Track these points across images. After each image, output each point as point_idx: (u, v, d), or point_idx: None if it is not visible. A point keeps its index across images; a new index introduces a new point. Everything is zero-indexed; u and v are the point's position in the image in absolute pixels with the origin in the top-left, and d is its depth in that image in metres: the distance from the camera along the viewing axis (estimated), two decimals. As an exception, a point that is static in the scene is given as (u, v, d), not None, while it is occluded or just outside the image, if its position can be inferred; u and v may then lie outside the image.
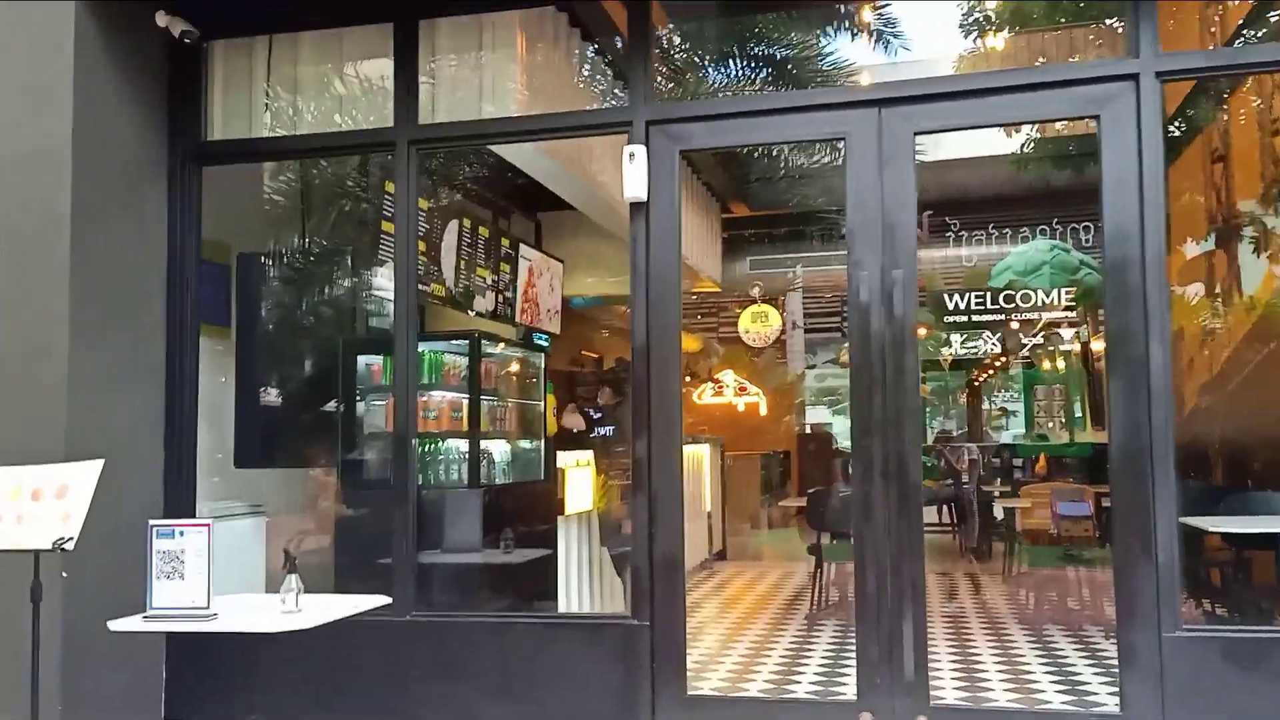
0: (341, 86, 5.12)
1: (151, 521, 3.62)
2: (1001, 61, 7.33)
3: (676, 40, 7.59)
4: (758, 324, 9.30)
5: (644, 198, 4.41)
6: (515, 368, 6.63)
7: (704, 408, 13.66)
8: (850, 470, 4.29)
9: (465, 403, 5.75)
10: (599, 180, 6.23)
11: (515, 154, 5.71)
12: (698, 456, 9.64)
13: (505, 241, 7.91)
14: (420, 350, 4.96)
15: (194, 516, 4.92)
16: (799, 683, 5.26)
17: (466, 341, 5.91)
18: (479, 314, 7.35)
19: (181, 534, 3.60)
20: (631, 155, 4.40)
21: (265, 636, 3.53)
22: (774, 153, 8.79)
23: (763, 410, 14.98)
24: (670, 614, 4.39)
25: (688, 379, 11.77)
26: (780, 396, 15.71)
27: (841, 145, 4.41)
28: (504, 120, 4.79)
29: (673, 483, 4.42)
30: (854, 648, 4.27)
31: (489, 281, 7.61)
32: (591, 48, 5.67)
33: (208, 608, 3.54)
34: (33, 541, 3.59)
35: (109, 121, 4.57)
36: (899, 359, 4.18)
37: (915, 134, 4.24)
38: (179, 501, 4.85)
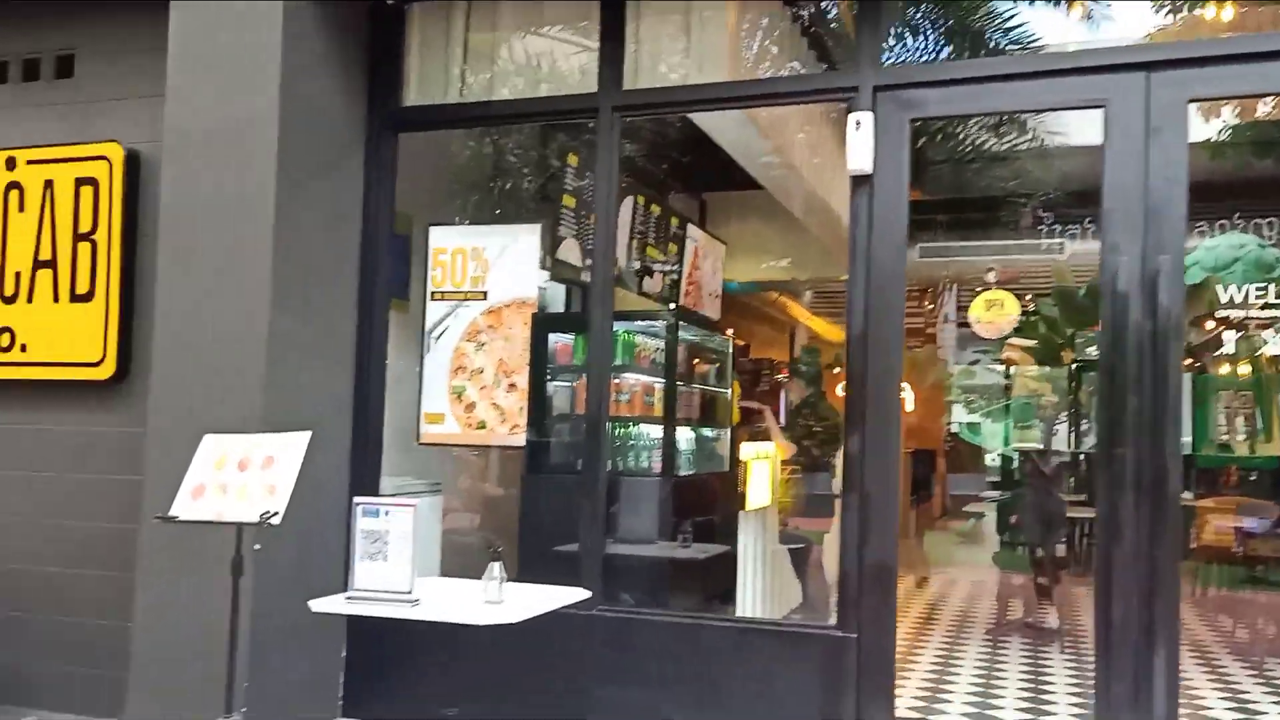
0: (540, 52, 4.89)
1: (357, 500, 3.46)
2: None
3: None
4: (992, 312, 8.50)
5: (869, 170, 4.04)
6: (705, 352, 6.32)
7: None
8: (1043, 477, 3.82)
9: (658, 387, 5.49)
10: (792, 155, 5.87)
11: (712, 124, 5.39)
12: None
13: (674, 221, 7.63)
14: (614, 330, 4.70)
15: (378, 492, 4.80)
16: (1001, 709, 4.83)
17: (662, 323, 5.64)
18: (647, 294, 7.09)
19: (386, 514, 3.43)
20: (858, 123, 4.03)
21: (447, 625, 3.33)
22: (960, 134, 8.26)
23: (909, 406, 14.39)
24: (880, 627, 4.03)
25: (835, 369, 11.33)
26: (928, 392, 15.07)
27: (1040, 122, 3.92)
28: (717, 85, 4.48)
29: (889, 484, 4.06)
30: (1053, 673, 3.83)
31: (657, 262, 7.35)
32: (793, 12, 5.30)
33: (410, 592, 3.36)
34: (238, 514, 3.47)
35: (313, 87, 4.45)
36: (1162, 356, 3.70)
37: (1189, 102, 3.74)
38: (364, 477, 4.73)
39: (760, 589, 5.74)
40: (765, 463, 5.76)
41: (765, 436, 6.08)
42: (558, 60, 4.89)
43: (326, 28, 4.47)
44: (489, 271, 4.86)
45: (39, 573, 4.85)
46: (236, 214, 4.30)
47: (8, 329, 4.95)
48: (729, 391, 6.54)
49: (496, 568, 3.46)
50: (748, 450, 5.53)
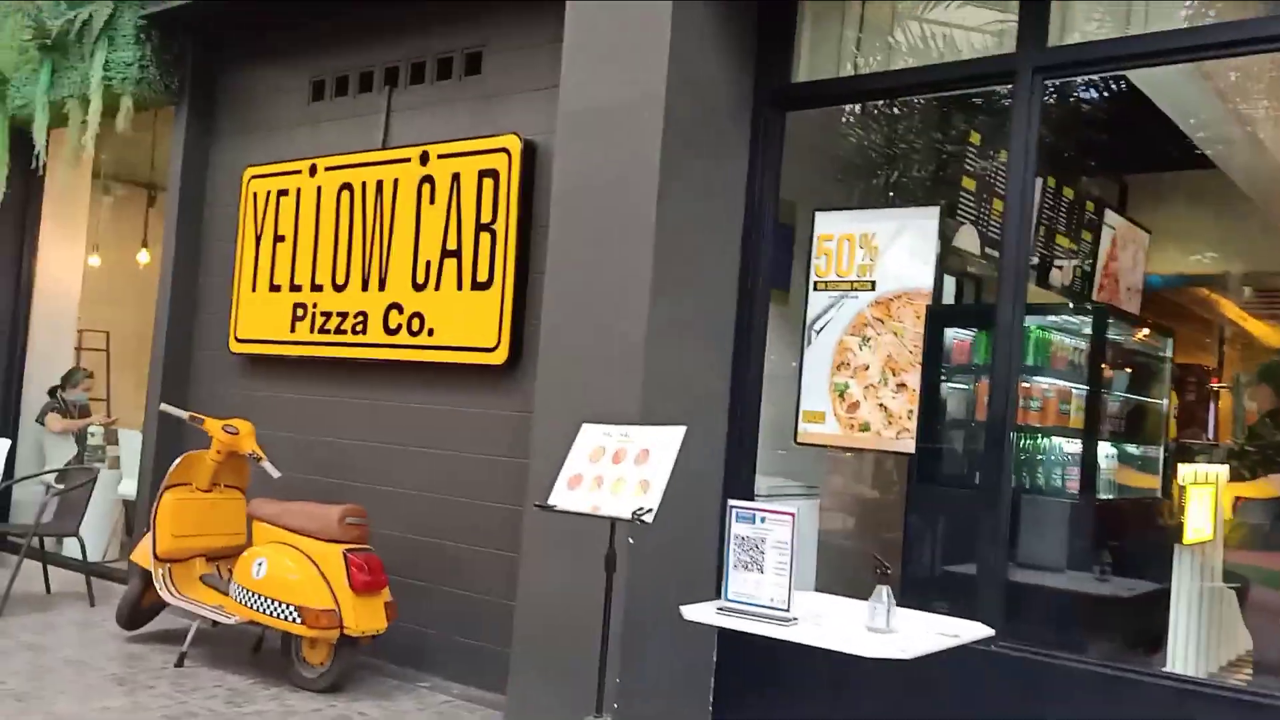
0: (938, 32, 4.37)
1: (732, 502, 3.20)
2: None
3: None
4: None
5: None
6: (1135, 355, 5.40)
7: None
8: None
9: (1077, 393, 4.76)
10: (1254, 119, 4.84)
11: (1154, 86, 4.55)
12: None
13: (1089, 206, 6.69)
14: (1024, 325, 4.08)
15: (752, 493, 4.55)
16: None
17: (1083, 319, 4.89)
18: (1051, 288, 6.25)
19: (763, 520, 3.13)
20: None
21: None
22: None
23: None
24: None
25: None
26: None
27: None
28: (1174, 34, 3.69)
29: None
30: None
31: (1067, 251, 6.46)
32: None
33: (787, 610, 3.04)
34: (612, 508, 3.35)
35: (700, 68, 4.27)
36: None
37: None
38: (739, 476, 4.50)
39: (1198, 638, 4.80)
40: (1208, 489, 4.80)
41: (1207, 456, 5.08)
42: (956, 38, 4.35)
43: (715, 6, 4.27)
44: (878, 259, 4.42)
45: (438, 546, 5.14)
46: (620, 199, 4.23)
47: (418, 314, 5.28)
48: (1164, 402, 5.56)
49: (884, 592, 3.05)
50: (1187, 473, 4.62)
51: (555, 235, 4.47)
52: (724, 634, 4.47)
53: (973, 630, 3.16)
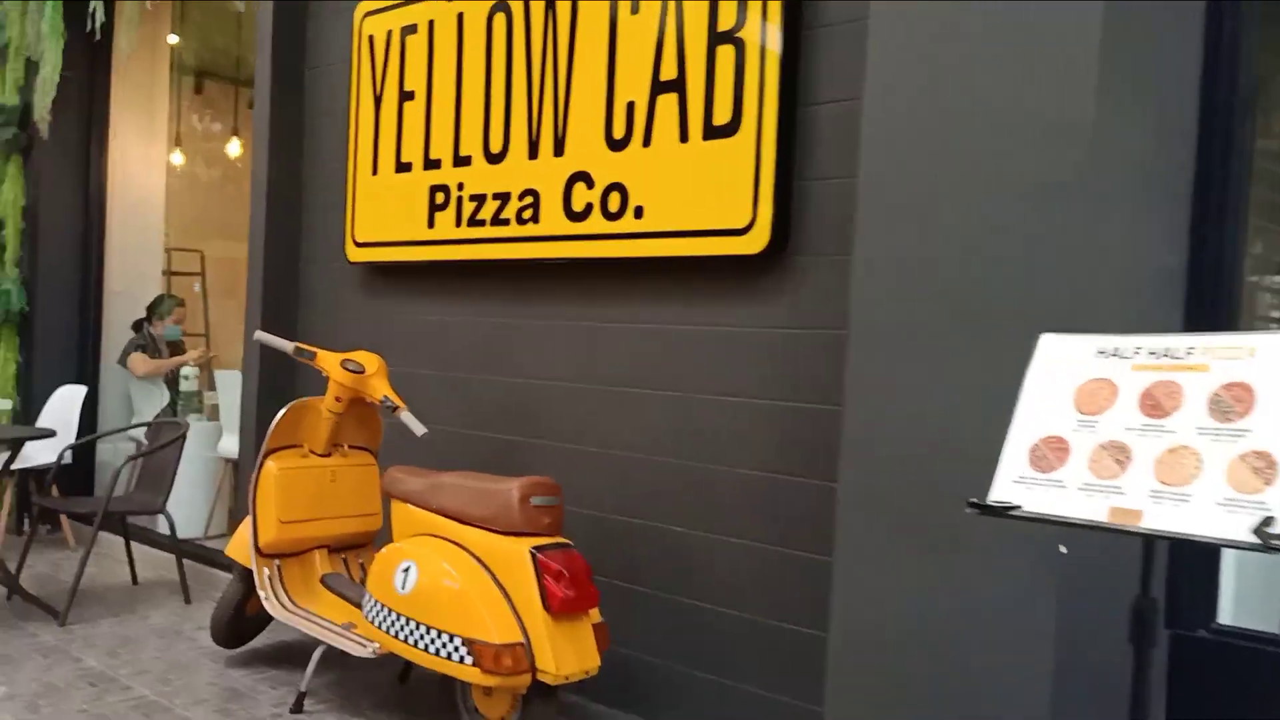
0: None
1: None
2: None
3: None
4: None
5: None
6: None
7: None
8: None
9: None
10: None
11: None
12: None
13: None
14: None
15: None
16: None
17: None
18: None
19: None
20: None
21: None
22: None
23: None
24: None
25: None
26: None
27: None
28: None
29: None
30: None
31: None
32: None
33: None
34: (1169, 517, 1.52)
35: None
36: None
37: None
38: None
39: None
40: None
41: None
42: None
43: None
44: None
45: (661, 532, 3.41)
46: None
47: (618, 186, 3.49)
48: None
49: None
50: None
51: (879, 23, 2.61)
52: (1176, 689, 2.66)
53: None
